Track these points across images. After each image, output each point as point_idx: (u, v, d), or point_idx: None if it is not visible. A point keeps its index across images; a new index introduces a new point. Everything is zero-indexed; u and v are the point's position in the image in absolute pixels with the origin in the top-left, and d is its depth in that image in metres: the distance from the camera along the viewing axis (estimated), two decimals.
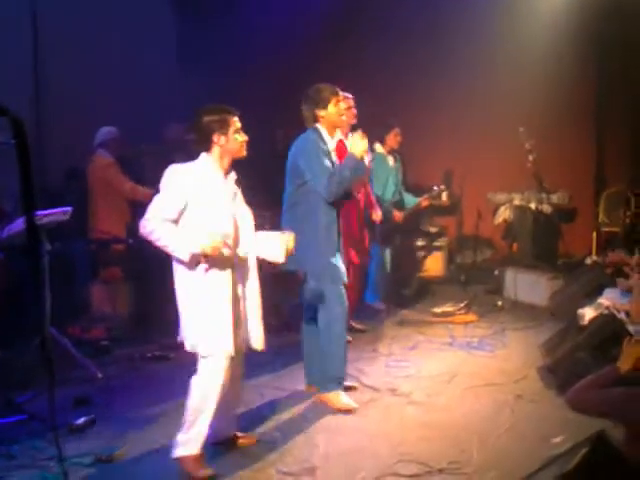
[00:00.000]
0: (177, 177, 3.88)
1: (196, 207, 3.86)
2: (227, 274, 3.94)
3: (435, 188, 8.09)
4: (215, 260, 3.84)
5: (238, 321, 4.02)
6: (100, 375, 5.66)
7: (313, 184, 4.92)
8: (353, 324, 6.65)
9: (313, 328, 5.12)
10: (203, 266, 3.85)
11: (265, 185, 8.81)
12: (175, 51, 10.06)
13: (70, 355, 5.68)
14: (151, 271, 6.78)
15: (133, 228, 7.33)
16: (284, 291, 7.02)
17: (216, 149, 3.97)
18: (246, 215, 4.17)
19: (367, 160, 5.10)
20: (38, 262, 5.11)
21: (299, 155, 5.01)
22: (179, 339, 4.04)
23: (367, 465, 4.13)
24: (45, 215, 5.41)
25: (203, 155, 3.99)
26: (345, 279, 5.03)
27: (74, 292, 6.84)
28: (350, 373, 5.57)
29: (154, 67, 8.81)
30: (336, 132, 5.10)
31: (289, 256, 4.24)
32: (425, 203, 7.97)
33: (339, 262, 5.01)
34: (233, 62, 9.46)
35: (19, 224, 5.16)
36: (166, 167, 3.96)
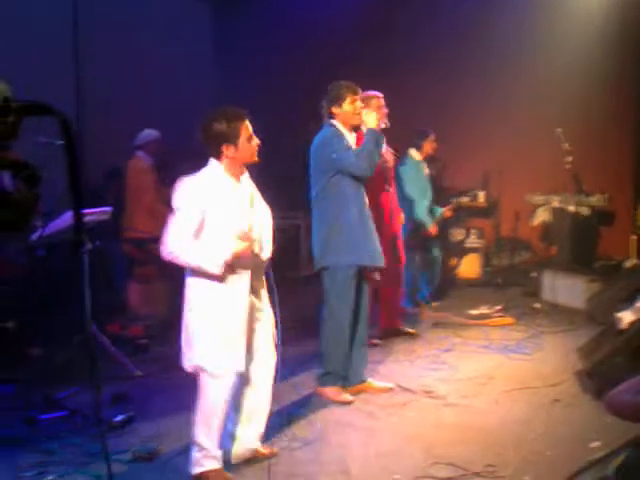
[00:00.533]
0: (189, 192, 3.79)
1: (213, 218, 3.77)
2: (245, 284, 3.87)
3: (452, 200, 8.15)
4: (235, 270, 3.79)
5: (252, 335, 3.99)
6: (139, 373, 5.73)
7: (341, 165, 4.95)
8: (401, 327, 6.77)
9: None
10: (220, 280, 3.78)
11: (297, 182, 8.84)
12: (211, 50, 10.14)
13: (109, 353, 5.75)
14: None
15: None
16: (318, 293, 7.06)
17: (226, 158, 3.87)
18: (265, 216, 4.08)
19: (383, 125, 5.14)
20: (83, 259, 5.19)
21: (321, 148, 5.06)
22: (185, 367, 3.96)
23: (402, 467, 4.12)
24: (86, 214, 5.48)
25: (213, 162, 3.89)
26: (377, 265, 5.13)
27: (112, 290, 6.94)
28: (386, 374, 5.64)
29: (192, 68, 8.90)
30: (352, 131, 5.11)
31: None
32: (448, 214, 7.99)
33: (372, 247, 5.06)
34: (270, 59, 9.51)
35: (62, 221, 5.23)
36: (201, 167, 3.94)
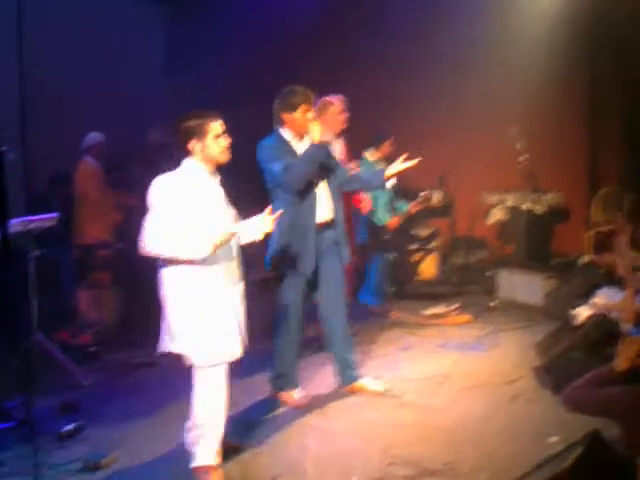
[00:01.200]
0: (163, 190, 3.82)
1: (190, 214, 3.79)
2: (227, 276, 3.93)
3: (421, 194, 8.08)
4: (215, 263, 3.83)
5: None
6: (87, 381, 5.61)
7: (269, 176, 4.92)
8: None
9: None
10: (201, 271, 3.81)
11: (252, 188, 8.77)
12: (163, 52, 10.04)
13: (57, 361, 5.63)
14: (138, 276, 6.73)
15: (122, 233, 7.32)
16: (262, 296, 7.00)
17: (196, 155, 3.92)
18: (233, 216, 4.14)
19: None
20: (21, 269, 5.11)
21: (258, 155, 4.99)
22: (160, 350, 3.97)
23: (360, 467, 4.10)
24: (31, 220, 5.37)
25: (186, 161, 3.95)
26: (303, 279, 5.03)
27: (61, 297, 6.80)
28: None
29: (141, 70, 8.78)
30: (305, 138, 4.98)
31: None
32: (414, 210, 7.94)
33: (305, 260, 4.96)
34: (221, 61, 9.43)
35: None
36: (153, 173, 3.90)
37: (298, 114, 4.89)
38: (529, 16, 9.06)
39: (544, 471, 3.36)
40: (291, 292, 5.05)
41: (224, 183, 4.11)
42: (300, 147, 4.92)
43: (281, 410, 5.03)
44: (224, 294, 3.91)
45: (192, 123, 3.90)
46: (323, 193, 5.03)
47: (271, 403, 5.13)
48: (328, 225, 5.06)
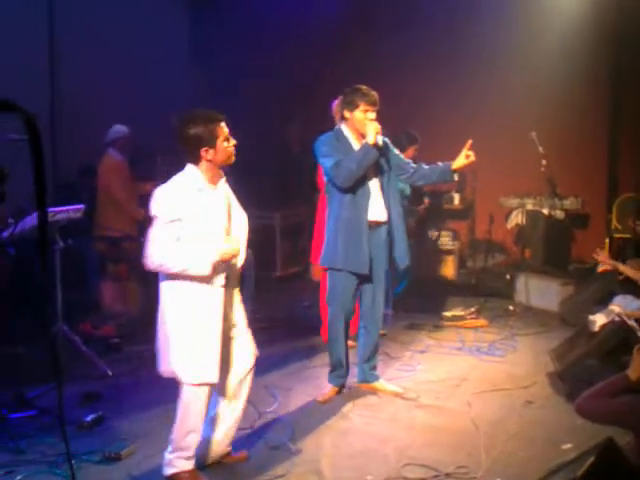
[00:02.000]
0: (166, 200, 3.75)
1: (190, 224, 3.74)
2: (220, 293, 3.85)
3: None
4: (211, 277, 3.78)
5: (228, 340, 3.99)
6: (110, 372, 5.67)
7: (323, 170, 5.03)
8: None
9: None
10: (196, 288, 3.78)
11: (277, 183, 8.82)
12: (187, 48, 10.11)
13: (80, 352, 5.71)
14: None
15: (145, 226, 7.39)
16: (294, 293, 7.06)
17: (204, 162, 3.82)
18: (241, 222, 4.06)
19: (380, 140, 5.05)
20: (48, 259, 5.15)
21: (315, 149, 5.10)
22: (161, 371, 3.94)
23: (374, 468, 4.14)
24: (58, 212, 5.44)
25: (190, 167, 3.84)
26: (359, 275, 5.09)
27: (86, 289, 6.88)
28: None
29: (167, 65, 8.86)
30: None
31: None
32: (421, 212, 7.98)
33: (360, 257, 5.01)
34: (246, 59, 9.49)
35: (30, 220, 5.18)
36: (177, 163, 3.92)
37: (357, 113, 4.97)
38: (553, 19, 9.04)
39: (557, 477, 3.41)
40: (342, 289, 5.13)
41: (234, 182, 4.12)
42: (356, 145, 5.03)
43: (297, 409, 5.07)
44: (212, 314, 3.83)
45: (201, 129, 3.76)
46: (378, 192, 5.10)
47: (287, 401, 5.20)
48: (382, 224, 5.13)
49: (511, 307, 7.72)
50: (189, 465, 3.93)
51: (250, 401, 4.39)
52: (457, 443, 4.47)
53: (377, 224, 5.10)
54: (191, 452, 3.93)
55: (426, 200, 8.06)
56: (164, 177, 3.98)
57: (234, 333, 4.04)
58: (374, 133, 4.86)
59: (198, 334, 3.79)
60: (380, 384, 5.36)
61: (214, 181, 3.90)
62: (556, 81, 8.92)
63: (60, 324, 5.60)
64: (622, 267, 5.96)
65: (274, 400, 5.18)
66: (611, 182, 9.38)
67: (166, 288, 3.85)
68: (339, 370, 5.31)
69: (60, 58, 7.81)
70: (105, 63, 8.05)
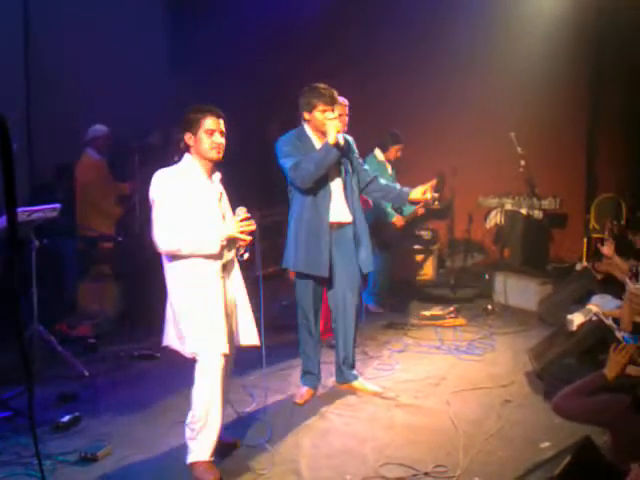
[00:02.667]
0: (165, 183, 3.89)
1: (187, 208, 3.87)
2: (218, 273, 3.96)
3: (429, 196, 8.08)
4: (208, 261, 3.90)
5: (229, 319, 4.04)
6: (86, 373, 5.63)
7: (283, 170, 4.97)
8: None
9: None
10: (196, 267, 3.88)
11: (257, 183, 8.77)
12: (167, 49, 10.06)
13: (56, 352, 5.67)
14: (139, 269, 6.76)
15: (123, 226, 7.36)
16: (272, 292, 7.02)
17: (193, 151, 3.99)
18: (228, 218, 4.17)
19: (341, 140, 4.96)
20: (19, 259, 5.10)
21: (276, 154, 5.06)
22: (164, 343, 4.06)
23: (353, 467, 4.13)
24: (34, 211, 5.39)
25: (186, 156, 4.01)
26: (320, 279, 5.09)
27: (62, 289, 6.82)
28: None
29: (145, 65, 8.79)
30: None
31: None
32: (421, 211, 7.91)
33: (320, 260, 4.99)
34: (226, 59, 9.45)
35: (2, 221, 5.12)
36: (155, 164, 3.95)
37: (316, 114, 4.93)
38: (533, 21, 9.09)
39: (535, 476, 3.42)
40: (307, 291, 5.13)
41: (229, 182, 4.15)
42: (320, 145, 4.98)
43: (277, 409, 5.06)
44: (221, 289, 3.96)
45: (189, 116, 3.96)
46: (341, 192, 5.07)
47: (267, 400, 5.18)
48: (346, 225, 5.09)
49: (490, 306, 7.74)
50: (207, 455, 3.97)
51: (228, 401, 4.38)
52: (436, 442, 4.47)
53: (340, 225, 5.07)
54: (211, 439, 3.96)
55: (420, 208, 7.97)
56: (142, 176, 4.00)
57: (235, 310, 4.14)
58: (334, 132, 4.79)
59: (203, 310, 3.88)
60: (359, 383, 5.34)
61: (209, 174, 4.03)
62: (535, 82, 8.96)
63: (36, 324, 5.55)
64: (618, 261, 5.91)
65: (252, 400, 5.16)
66: (589, 183, 9.45)
67: (169, 269, 3.96)
68: (311, 372, 5.29)
69: (37, 57, 7.72)
70: (83, 62, 7.97)
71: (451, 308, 7.45)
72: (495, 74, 9.15)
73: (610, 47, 9.01)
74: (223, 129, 4.01)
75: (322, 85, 4.97)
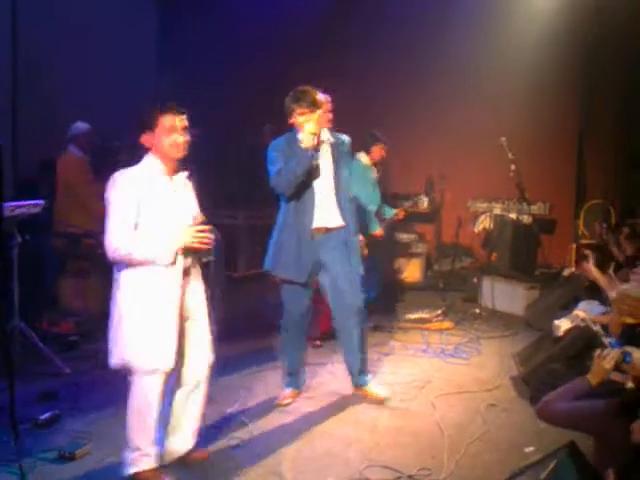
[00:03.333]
0: (122, 185, 3.70)
1: (144, 210, 3.70)
2: (177, 282, 3.80)
3: (406, 203, 8.07)
4: (167, 268, 3.74)
5: (184, 330, 3.93)
6: (67, 370, 5.58)
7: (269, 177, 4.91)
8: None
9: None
10: (153, 275, 3.73)
11: (244, 183, 8.75)
12: (156, 47, 10.02)
13: (37, 349, 5.61)
14: None
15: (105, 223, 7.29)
16: (257, 293, 6.99)
17: (154, 150, 3.81)
18: (192, 217, 3.96)
19: (322, 147, 4.93)
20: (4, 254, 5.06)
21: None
22: (112, 364, 3.87)
23: (337, 470, 4.10)
24: (16, 206, 5.33)
25: (148, 156, 3.84)
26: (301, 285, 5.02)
27: (44, 285, 6.75)
28: (324, 376, 5.61)
29: (134, 62, 8.76)
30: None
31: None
32: (401, 215, 7.87)
33: (300, 264, 4.93)
34: (216, 59, 9.44)
35: None
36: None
37: (297, 118, 4.84)
38: (523, 27, 9.10)
39: None
40: (293, 295, 5.07)
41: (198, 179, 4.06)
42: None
43: (259, 409, 5.01)
44: (170, 301, 3.78)
45: (145, 116, 3.79)
46: (330, 196, 4.98)
47: (250, 401, 5.14)
48: (334, 230, 5.00)
49: (477, 310, 7.72)
50: (151, 463, 3.85)
51: (211, 400, 4.32)
52: (421, 445, 4.44)
53: (328, 230, 4.97)
54: (152, 449, 3.85)
55: (401, 211, 7.93)
56: None
57: (191, 324, 3.97)
58: (309, 136, 4.71)
59: (153, 320, 3.73)
60: (368, 388, 5.23)
61: (170, 172, 3.86)
62: (527, 88, 8.98)
63: (17, 320, 5.48)
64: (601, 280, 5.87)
65: (235, 400, 5.11)
66: (579, 189, 9.45)
67: (122, 275, 3.79)
68: (293, 373, 5.25)
69: (23, 52, 7.66)
70: (69, 59, 7.92)
71: (438, 311, 7.44)
72: (486, 79, 9.16)
73: (601, 55, 9.03)
74: (185, 125, 3.84)
75: (302, 88, 4.87)
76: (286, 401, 5.13)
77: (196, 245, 3.75)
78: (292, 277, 4.96)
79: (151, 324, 3.73)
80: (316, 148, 4.79)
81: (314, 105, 4.83)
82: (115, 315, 3.83)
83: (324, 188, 4.96)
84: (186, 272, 3.87)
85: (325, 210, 4.96)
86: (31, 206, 5.49)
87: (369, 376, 5.29)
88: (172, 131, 3.77)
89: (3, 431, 4.32)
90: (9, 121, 7.39)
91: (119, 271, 3.80)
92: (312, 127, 4.74)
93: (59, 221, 6.95)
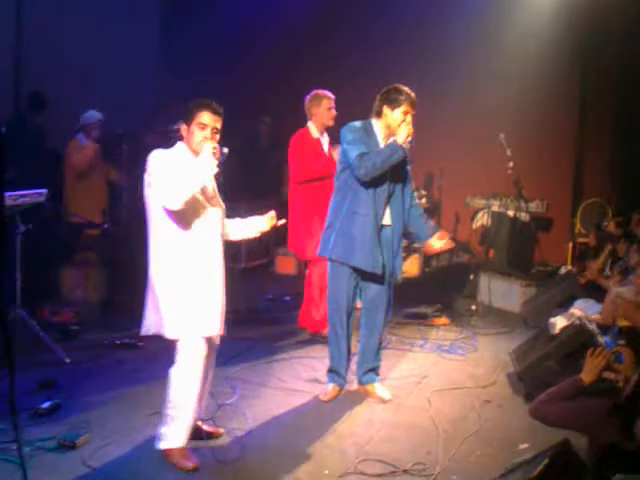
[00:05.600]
0: (164, 158, 3.93)
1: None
2: (208, 256, 4.01)
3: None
4: (198, 240, 3.95)
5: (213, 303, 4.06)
6: (68, 360, 5.61)
7: (346, 157, 4.92)
8: None
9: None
10: (186, 249, 3.92)
11: (244, 176, 8.77)
12: (159, 43, 10.04)
13: (38, 338, 5.64)
14: (124, 258, 6.73)
15: (110, 214, 7.32)
16: (258, 285, 7.02)
17: (185, 140, 4.03)
18: (221, 210, 4.23)
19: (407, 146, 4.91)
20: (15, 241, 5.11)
21: (342, 133, 5.00)
22: (143, 331, 4.05)
23: (332, 462, 4.14)
24: (20, 195, 5.36)
25: (179, 143, 4.05)
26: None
27: (46, 275, 6.78)
28: (320, 370, 5.61)
29: (137, 57, 8.78)
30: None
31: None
32: None
33: (376, 255, 4.93)
34: (216, 54, 9.45)
35: None
36: (141, 151, 3.96)
37: (397, 112, 4.93)
38: (519, 23, 9.10)
39: (513, 477, 3.43)
40: (344, 286, 5.06)
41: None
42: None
43: (257, 402, 5.04)
44: (207, 270, 4.00)
45: (187, 108, 4.00)
46: (391, 195, 5.03)
47: (247, 394, 5.18)
48: (387, 227, 5.04)
49: (473, 307, 7.76)
50: (182, 442, 3.98)
51: (209, 392, 4.37)
52: (415, 440, 4.48)
53: (383, 226, 5.02)
54: (186, 426, 3.98)
55: None
56: (130, 165, 3.99)
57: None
58: (406, 135, 4.80)
59: (188, 291, 3.92)
60: (373, 388, 5.25)
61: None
62: (526, 87, 8.99)
63: (18, 309, 5.52)
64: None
65: (234, 392, 5.14)
66: (576, 187, 9.48)
67: (159, 248, 3.96)
68: (337, 370, 5.21)
69: (28, 41, 7.68)
70: (73, 51, 7.94)
71: (435, 307, 7.47)
72: (485, 76, 9.17)
73: (601, 54, 9.06)
74: (218, 127, 4.03)
75: (408, 88, 5.04)
76: (327, 397, 5.14)
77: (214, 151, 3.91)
78: (369, 268, 4.93)
79: (191, 293, 3.91)
80: (405, 149, 4.86)
81: (415, 110, 4.97)
82: (155, 288, 3.97)
83: (389, 187, 4.99)
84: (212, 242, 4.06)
85: (389, 209, 5.04)
86: (34, 195, 5.52)
87: (378, 377, 5.32)
88: (205, 127, 3.97)
89: (2, 420, 4.37)
90: (12, 111, 7.42)
91: (157, 242, 3.97)
92: (410, 129, 4.86)
93: (66, 211, 6.97)
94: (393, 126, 4.94)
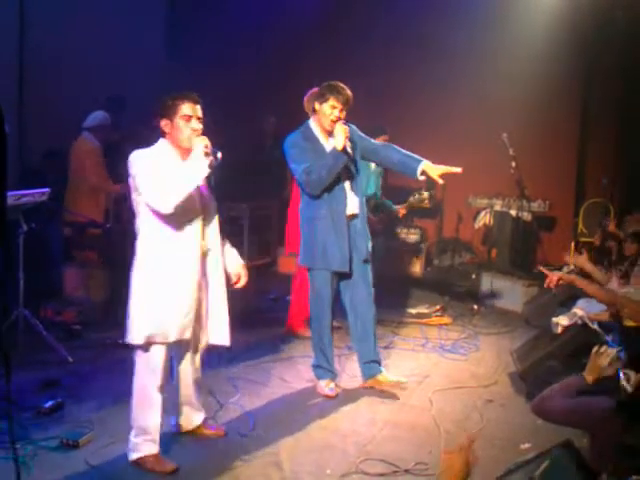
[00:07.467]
0: (145, 158, 3.84)
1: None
2: (193, 262, 3.93)
3: (411, 199, 8.07)
4: (183, 247, 3.89)
5: (197, 313, 4.00)
6: (70, 359, 5.61)
7: (294, 175, 4.99)
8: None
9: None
10: (171, 251, 3.87)
11: (247, 176, 8.77)
12: (164, 36, 10.02)
13: (41, 337, 5.64)
14: (127, 257, 6.72)
15: (112, 213, 7.33)
16: (261, 285, 7.01)
17: (168, 136, 3.93)
18: (212, 209, 4.10)
19: (349, 147, 4.98)
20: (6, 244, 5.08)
21: (285, 150, 5.06)
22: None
23: (334, 462, 4.14)
24: (23, 195, 5.36)
25: (160, 140, 3.95)
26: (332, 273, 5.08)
27: (49, 274, 6.79)
28: None
29: (142, 54, 8.76)
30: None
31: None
32: (403, 212, 7.89)
33: (343, 253, 4.99)
34: (222, 52, 9.44)
35: None
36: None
37: (325, 107, 4.92)
38: (526, 25, 9.09)
39: (515, 477, 3.42)
40: (328, 286, 5.11)
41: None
42: (327, 145, 4.98)
43: (259, 401, 5.05)
44: (181, 274, 3.90)
45: (166, 102, 3.90)
46: (349, 188, 5.08)
47: (250, 393, 5.18)
48: (355, 217, 5.11)
49: (475, 306, 7.76)
50: (154, 449, 3.94)
51: (212, 392, 4.38)
52: (417, 440, 4.49)
53: (352, 216, 5.08)
54: (154, 434, 3.94)
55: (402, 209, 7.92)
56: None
57: (204, 307, 4.07)
58: (342, 137, 4.80)
59: (165, 291, 3.86)
60: (383, 377, 5.28)
61: (183, 158, 3.93)
62: (529, 86, 8.97)
63: (21, 308, 5.53)
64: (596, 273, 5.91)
65: (236, 391, 5.15)
66: (579, 187, 9.48)
67: (143, 248, 3.92)
68: (323, 366, 5.25)
69: (31, 40, 7.67)
70: (76, 49, 7.93)
71: (437, 307, 7.47)
72: (489, 76, 9.16)
73: (603, 54, 9.04)
74: (200, 115, 3.94)
75: (341, 85, 4.99)
76: (334, 393, 5.20)
77: (206, 150, 3.83)
78: (337, 268, 5.02)
79: (160, 296, 3.85)
80: (346, 150, 4.87)
81: (348, 105, 4.97)
82: (132, 290, 3.96)
83: (346, 181, 5.06)
84: (204, 255, 4.00)
85: (351, 198, 5.08)
86: (37, 195, 5.53)
87: (382, 365, 5.36)
88: (190, 119, 3.89)
89: (3, 419, 4.38)
90: (15, 110, 7.41)
91: (143, 245, 3.93)
92: (345, 128, 4.85)
93: (66, 210, 6.97)
94: (323, 120, 4.95)
